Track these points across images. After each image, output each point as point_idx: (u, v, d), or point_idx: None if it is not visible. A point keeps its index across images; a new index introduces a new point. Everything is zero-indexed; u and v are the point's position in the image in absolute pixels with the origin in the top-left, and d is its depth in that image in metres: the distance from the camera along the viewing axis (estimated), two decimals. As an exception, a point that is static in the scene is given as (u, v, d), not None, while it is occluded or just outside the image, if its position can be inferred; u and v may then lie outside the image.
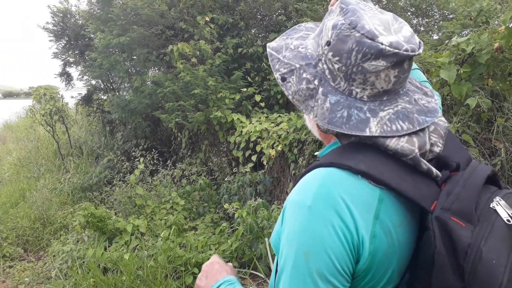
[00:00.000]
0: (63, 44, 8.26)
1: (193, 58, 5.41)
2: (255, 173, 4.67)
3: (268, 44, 0.90)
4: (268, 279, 3.29)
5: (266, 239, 3.47)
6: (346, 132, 0.76)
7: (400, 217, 0.74)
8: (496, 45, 2.47)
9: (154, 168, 5.54)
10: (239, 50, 5.65)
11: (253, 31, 6.07)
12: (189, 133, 6.02)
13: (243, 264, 3.71)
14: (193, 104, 5.17)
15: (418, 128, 0.76)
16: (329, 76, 0.79)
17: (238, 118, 5.00)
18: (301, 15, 5.52)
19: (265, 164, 4.60)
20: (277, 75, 0.83)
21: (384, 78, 0.75)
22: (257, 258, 3.62)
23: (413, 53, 0.74)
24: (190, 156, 6.05)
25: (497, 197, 0.71)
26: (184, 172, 5.53)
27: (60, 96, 7.66)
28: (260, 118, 4.98)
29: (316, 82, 0.79)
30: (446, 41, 2.94)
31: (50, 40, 8.14)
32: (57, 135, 7.72)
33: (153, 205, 4.69)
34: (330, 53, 0.78)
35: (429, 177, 0.76)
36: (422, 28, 6.76)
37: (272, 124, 4.58)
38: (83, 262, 3.82)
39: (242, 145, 4.81)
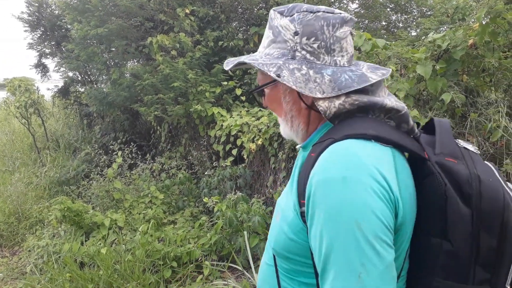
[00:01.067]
0: (38, 35, 8.05)
1: (172, 50, 5.35)
2: (236, 167, 4.66)
3: (242, 61, 0.92)
4: (247, 272, 3.31)
5: (245, 232, 3.48)
6: (358, 88, 0.84)
7: (407, 170, 0.84)
8: (470, 41, 2.52)
9: (132, 162, 5.48)
10: (220, 43, 5.61)
11: (234, 25, 6.03)
12: (169, 127, 5.96)
13: (222, 257, 3.72)
14: (172, 97, 5.12)
15: (389, 73, 0.90)
16: (311, 58, 0.87)
17: (218, 112, 4.97)
18: (282, 9, 5.51)
19: (246, 158, 4.61)
20: (271, 74, 0.87)
21: (349, 43, 0.90)
22: (236, 251, 3.63)
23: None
24: (169, 150, 6.00)
25: (457, 139, 0.88)
26: (164, 166, 5.48)
27: (36, 88, 7.47)
28: (240, 112, 4.97)
29: (304, 67, 0.86)
30: (423, 37, 2.99)
31: (25, 31, 7.93)
32: (32, 128, 7.53)
33: (132, 199, 4.64)
34: (304, 38, 0.87)
35: (409, 134, 0.89)
36: (400, 24, 6.86)
37: (253, 118, 4.58)
38: (59, 257, 3.75)
39: (223, 139, 4.80)
